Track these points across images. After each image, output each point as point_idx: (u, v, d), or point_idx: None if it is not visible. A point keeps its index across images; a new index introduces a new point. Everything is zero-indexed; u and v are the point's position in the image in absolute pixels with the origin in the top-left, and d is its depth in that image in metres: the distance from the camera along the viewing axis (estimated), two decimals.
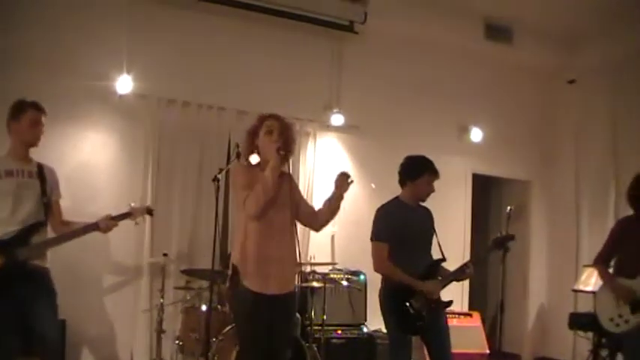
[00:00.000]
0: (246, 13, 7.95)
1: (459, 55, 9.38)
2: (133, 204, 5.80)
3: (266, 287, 4.33)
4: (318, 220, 4.76)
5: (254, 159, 4.53)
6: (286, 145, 4.48)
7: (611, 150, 9.08)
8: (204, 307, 6.38)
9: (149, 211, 6.11)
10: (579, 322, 7.43)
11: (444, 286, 5.25)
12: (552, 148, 10.27)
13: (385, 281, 5.20)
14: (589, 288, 8.24)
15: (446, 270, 5.39)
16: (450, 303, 5.28)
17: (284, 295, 4.43)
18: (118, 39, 7.35)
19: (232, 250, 4.46)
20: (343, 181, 4.59)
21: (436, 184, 5.36)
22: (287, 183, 4.57)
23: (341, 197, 4.63)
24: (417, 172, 5.26)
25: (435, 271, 5.29)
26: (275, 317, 4.38)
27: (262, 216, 4.34)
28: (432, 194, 5.36)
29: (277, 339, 4.43)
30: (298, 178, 8.16)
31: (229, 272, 4.44)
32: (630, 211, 5.55)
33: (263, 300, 4.31)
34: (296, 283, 4.63)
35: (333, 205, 4.65)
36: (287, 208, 4.50)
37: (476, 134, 9.56)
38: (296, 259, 4.51)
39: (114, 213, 5.42)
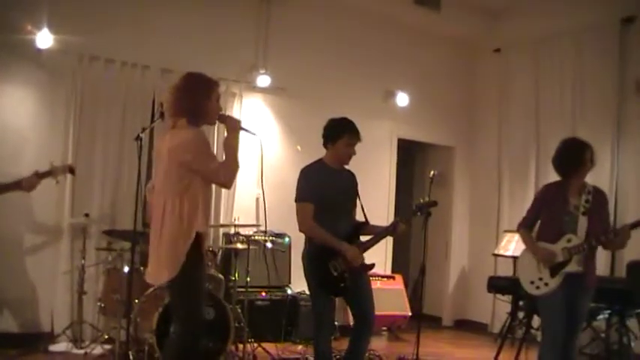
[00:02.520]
0: None
1: (387, 20, 9.41)
2: (54, 162, 5.67)
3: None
4: None
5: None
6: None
7: (533, 118, 9.25)
8: (126, 269, 6.32)
9: (71, 170, 5.99)
10: (498, 285, 7.58)
11: (372, 245, 5.29)
12: (476, 115, 10.44)
13: (308, 242, 5.20)
14: (508, 253, 8.45)
15: (377, 227, 5.43)
16: (372, 266, 5.31)
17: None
18: None
19: (192, 216, 4.21)
20: None
21: (362, 147, 5.34)
22: None
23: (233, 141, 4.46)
24: (337, 134, 5.24)
25: (358, 235, 5.33)
26: None
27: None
28: (358, 157, 5.34)
29: None
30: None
31: (189, 242, 4.20)
32: (551, 178, 5.65)
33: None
34: None
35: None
36: None
37: (401, 99, 9.63)
38: None
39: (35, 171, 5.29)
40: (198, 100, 4.28)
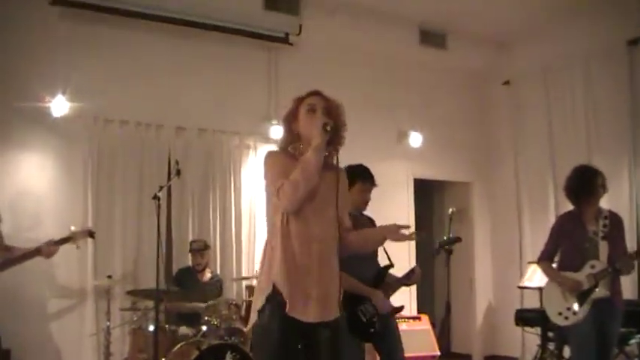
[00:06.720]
0: (181, 28, 7.92)
1: (395, 62, 9.49)
2: (73, 228, 5.70)
3: (304, 312, 3.37)
4: (349, 239, 3.65)
5: None
6: (334, 126, 3.66)
7: (548, 148, 9.23)
8: (151, 327, 6.30)
9: (90, 234, 6.03)
10: (526, 318, 7.53)
11: (392, 294, 5.24)
12: (491, 149, 10.43)
13: None
14: (534, 284, 8.35)
15: (393, 276, 5.39)
16: (401, 308, 5.27)
17: (328, 322, 3.48)
18: (51, 59, 7.27)
19: (263, 262, 3.50)
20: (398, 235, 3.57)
21: (378, 189, 5.31)
22: (334, 177, 3.65)
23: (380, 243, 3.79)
24: (351, 180, 5.22)
25: (384, 278, 5.29)
26: (317, 354, 3.44)
27: (299, 212, 3.40)
28: (375, 200, 5.31)
29: None
30: (240, 192, 8.13)
31: (264, 294, 3.38)
32: (571, 206, 5.63)
33: (299, 329, 3.36)
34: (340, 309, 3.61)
35: (370, 243, 3.90)
36: (331, 207, 3.52)
37: (415, 139, 9.65)
38: (338, 273, 3.54)
39: (55, 237, 5.32)
40: (285, 126, 3.81)
